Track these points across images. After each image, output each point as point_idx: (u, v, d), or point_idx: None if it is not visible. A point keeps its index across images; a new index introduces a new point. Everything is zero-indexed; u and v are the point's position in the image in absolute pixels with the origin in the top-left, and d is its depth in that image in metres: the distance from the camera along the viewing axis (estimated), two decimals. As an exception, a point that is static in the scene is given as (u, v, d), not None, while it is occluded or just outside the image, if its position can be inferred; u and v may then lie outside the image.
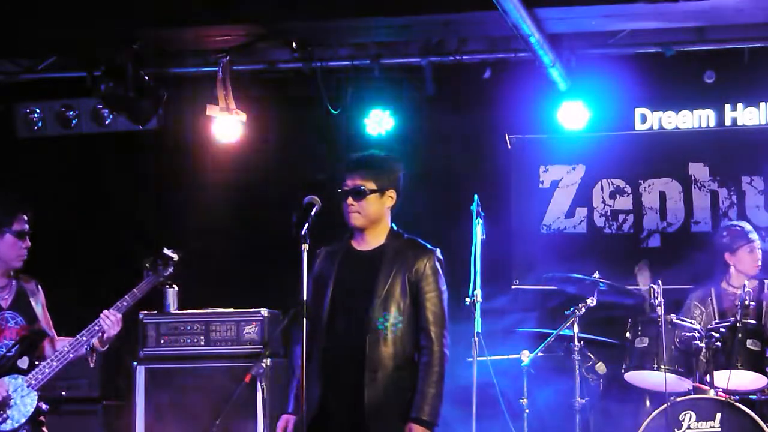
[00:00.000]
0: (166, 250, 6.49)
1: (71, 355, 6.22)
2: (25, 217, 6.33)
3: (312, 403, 5.41)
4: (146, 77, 8.56)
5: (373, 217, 5.58)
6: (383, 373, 5.39)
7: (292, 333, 5.64)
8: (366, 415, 5.37)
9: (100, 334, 6.21)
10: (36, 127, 9.58)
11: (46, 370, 6.19)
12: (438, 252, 5.62)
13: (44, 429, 6.26)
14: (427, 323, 5.47)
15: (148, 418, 8.11)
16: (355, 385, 5.39)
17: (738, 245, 7.90)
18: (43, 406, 6.20)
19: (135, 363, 8.23)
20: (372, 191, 5.55)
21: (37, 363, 6.23)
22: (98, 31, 8.32)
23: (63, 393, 6.53)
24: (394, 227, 5.66)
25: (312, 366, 5.45)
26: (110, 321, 6.21)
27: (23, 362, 6.21)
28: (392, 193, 5.63)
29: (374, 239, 5.61)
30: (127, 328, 8.15)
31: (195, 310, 8.37)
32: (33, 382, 6.17)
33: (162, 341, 8.28)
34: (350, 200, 5.55)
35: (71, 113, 9.50)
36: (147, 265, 6.46)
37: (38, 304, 6.44)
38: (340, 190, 5.59)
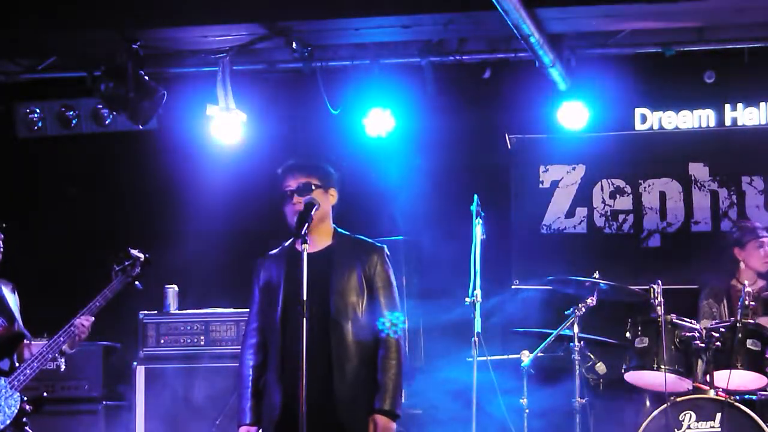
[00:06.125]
0: (132, 250, 6.54)
1: (50, 356, 6.27)
2: None
3: (274, 410, 5.37)
4: (146, 77, 8.56)
5: (319, 215, 5.49)
6: (350, 367, 5.39)
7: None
8: (337, 412, 5.35)
9: (75, 338, 6.29)
10: (36, 127, 9.57)
11: (27, 371, 6.23)
12: (386, 248, 5.61)
13: (28, 429, 6.28)
14: (383, 317, 5.48)
15: (148, 418, 8.12)
16: (323, 382, 5.34)
17: (747, 240, 7.95)
18: (27, 407, 6.22)
19: (135, 363, 8.24)
20: (317, 186, 5.50)
21: (17, 365, 6.26)
22: (98, 31, 8.32)
23: (45, 394, 6.54)
24: (337, 228, 5.61)
25: (268, 372, 5.43)
26: (85, 327, 6.30)
27: (4, 364, 6.24)
28: (334, 191, 5.60)
29: (320, 240, 5.53)
30: (127, 328, 8.23)
31: (195, 310, 8.38)
32: (15, 383, 6.19)
33: (162, 341, 8.28)
34: (296, 198, 5.48)
35: (71, 113, 9.50)
36: (115, 265, 6.50)
37: (15, 307, 6.47)
38: (285, 191, 5.50)
